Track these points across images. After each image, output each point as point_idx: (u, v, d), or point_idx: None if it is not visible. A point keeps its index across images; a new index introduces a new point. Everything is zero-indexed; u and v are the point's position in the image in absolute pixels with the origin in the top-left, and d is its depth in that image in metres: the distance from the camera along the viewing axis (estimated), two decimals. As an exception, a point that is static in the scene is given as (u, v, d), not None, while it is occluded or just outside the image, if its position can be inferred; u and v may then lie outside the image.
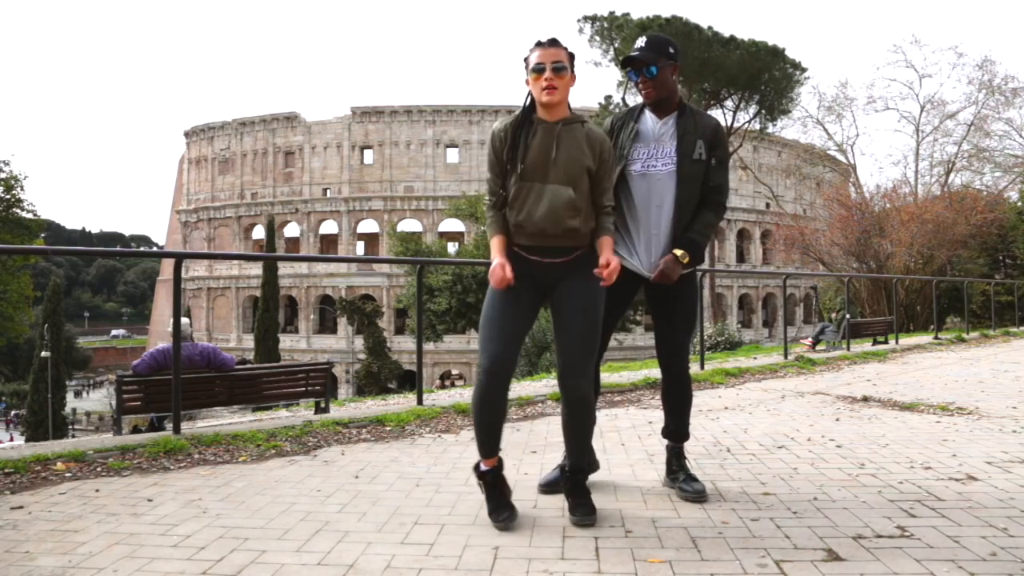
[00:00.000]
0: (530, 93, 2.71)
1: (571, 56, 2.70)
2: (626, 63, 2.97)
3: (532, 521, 2.74)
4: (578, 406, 2.75)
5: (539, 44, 2.68)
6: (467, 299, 26.89)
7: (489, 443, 2.75)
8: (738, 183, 49.40)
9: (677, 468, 3.12)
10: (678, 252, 2.92)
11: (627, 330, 30.52)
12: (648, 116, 3.04)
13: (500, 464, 2.80)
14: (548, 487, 3.09)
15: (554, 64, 2.63)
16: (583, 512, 2.69)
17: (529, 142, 2.66)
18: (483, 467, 2.78)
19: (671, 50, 2.99)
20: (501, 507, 2.71)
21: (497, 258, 2.68)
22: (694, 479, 3.07)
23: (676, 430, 3.18)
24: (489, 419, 2.72)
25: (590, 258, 2.73)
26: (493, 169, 2.73)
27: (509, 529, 2.63)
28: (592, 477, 3.18)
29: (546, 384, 7.14)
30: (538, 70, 2.64)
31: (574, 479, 2.81)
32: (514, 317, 2.72)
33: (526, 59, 2.70)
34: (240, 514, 2.87)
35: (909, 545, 2.42)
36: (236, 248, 48.16)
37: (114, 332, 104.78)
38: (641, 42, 3.00)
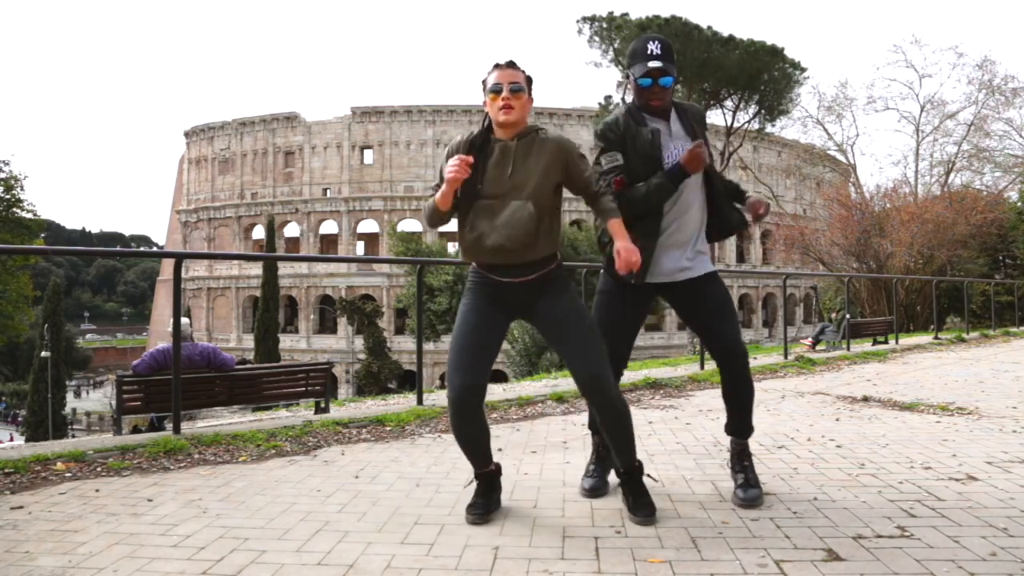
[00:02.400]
0: (487, 115, 2.73)
1: (529, 79, 2.71)
2: (650, 74, 2.85)
3: (532, 521, 2.74)
4: (609, 409, 2.71)
5: (497, 66, 2.70)
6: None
7: (478, 459, 2.81)
8: (738, 183, 49.37)
9: (741, 468, 3.03)
10: (749, 195, 3.07)
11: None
12: (648, 117, 2.96)
13: (497, 469, 2.86)
14: (594, 492, 3.06)
15: (511, 85, 2.64)
16: (645, 512, 2.71)
17: (486, 162, 2.65)
18: (477, 473, 2.85)
19: (675, 55, 2.96)
20: (480, 505, 2.76)
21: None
22: (752, 485, 2.97)
23: (743, 425, 3.07)
24: (470, 442, 2.77)
25: (560, 275, 2.76)
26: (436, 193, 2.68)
27: (480, 524, 2.69)
28: (592, 477, 3.19)
29: (546, 384, 7.14)
30: (495, 90, 2.64)
31: (632, 479, 2.81)
32: (484, 346, 2.70)
33: (484, 81, 2.70)
34: (240, 514, 2.87)
35: (909, 545, 2.42)
36: (236, 248, 48.15)
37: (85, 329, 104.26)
38: (657, 49, 2.87)
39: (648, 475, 2.94)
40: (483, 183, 2.63)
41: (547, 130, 2.76)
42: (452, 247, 43.09)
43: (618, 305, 3.01)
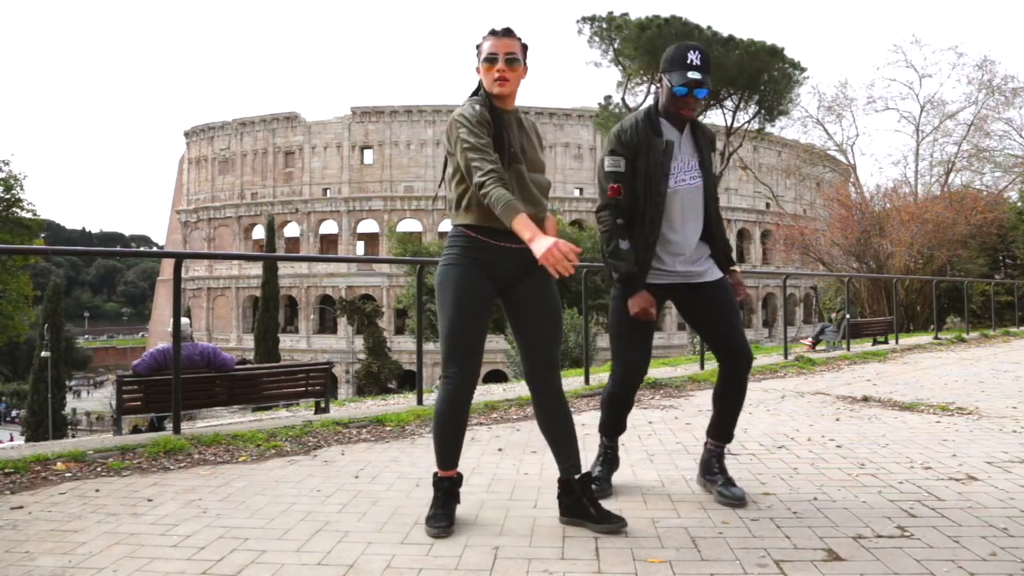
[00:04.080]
0: (480, 83, 2.62)
1: (524, 48, 2.62)
2: (688, 84, 2.82)
3: (532, 521, 2.74)
4: (560, 397, 2.67)
5: (493, 33, 2.59)
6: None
7: (450, 457, 2.69)
8: (738, 183, 49.43)
9: (718, 470, 3.06)
10: (735, 268, 3.08)
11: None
12: (665, 125, 2.95)
13: (459, 476, 2.73)
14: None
15: (507, 55, 2.55)
16: (616, 519, 2.57)
17: (508, 130, 2.58)
18: (440, 475, 2.70)
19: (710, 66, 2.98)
20: (443, 516, 2.61)
21: (552, 241, 2.25)
22: (733, 483, 3.01)
23: (726, 430, 3.10)
24: (452, 436, 2.66)
25: None
26: (484, 146, 2.46)
27: (442, 537, 2.53)
28: (592, 477, 3.19)
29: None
30: (491, 60, 2.55)
31: (584, 484, 2.66)
32: (480, 330, 2.62)
33: (478, 47, 2.60)
34: (240, 514, 2.87)
35: (909, 545, 2.42)
36: (236, 248, 48.17)
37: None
38: (697, 60, 2.82)
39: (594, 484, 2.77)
40: (514, 146, 2.55)
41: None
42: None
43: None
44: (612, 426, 3.22)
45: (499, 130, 2.54)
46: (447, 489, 2.68)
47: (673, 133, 2.95)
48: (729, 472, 3.09)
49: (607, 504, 2.92)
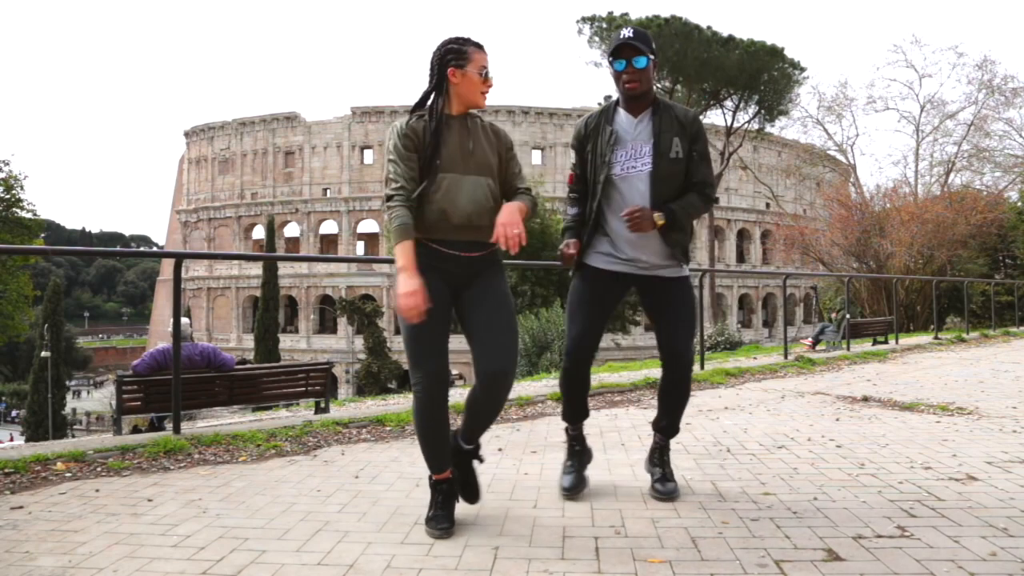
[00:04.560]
0: (444, 84, 2.64)
1: None
2: (618, 51, 2.88)
3: (532, 521, 2.74)
4: (502, 385, 2.64)
5: (478, 46, 2.67)
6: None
7: (440, 460, 2.68)
8: (738, 183, 49.40)
9: (659, 462, 3.12)
10: (655, 213, 2.86)
11: (626, 331, 30.51)
12: (623, 115, 2.96)
13: (455, 475, 2.74)
14: (573, 491, 3.06)
15: (488, 69, 2.68)
16: (472, 494, 2.78)
17: (445, 135, 2.62)
18: (436, 479, 2.70)
19: (652, 45, 2.96)
20: (444, 518, 2.63)
21: (413, 280, 2.44)
22: (669, 479, 3.07)
23: (670, 425, 3.15)
24: (436, 440, 2.65)
25: (500, 256, 2.75)
26: (405, 161, 2.58)
27: (445, 538, 2.56)
28: (592, 477, 3.19)
29: (546, 384, 7.13)
30: (484, 75, 2.66)
31: (472, 456, 2.79)
32: (444, 333, 2.63)
33: (462, 53, 2.63)
34: (240, 514, 2.87)
35: (909, 545, 2.42)
36: (236, 248, 48.15)
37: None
38: (629, 33, 2.90)
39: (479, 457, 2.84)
40: (442, 158, 2.59)
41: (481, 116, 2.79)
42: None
43: (592, 283, 3.04)
44: (570, 407, 3.15)
45: (437, 140, 2.59)
46: (445, 491, 2.69)
47: (629, 122, 2.95)
48: (671, 467, 3.15)
49: (607, 502, 2.92)
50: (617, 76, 2.91)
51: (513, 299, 2.77)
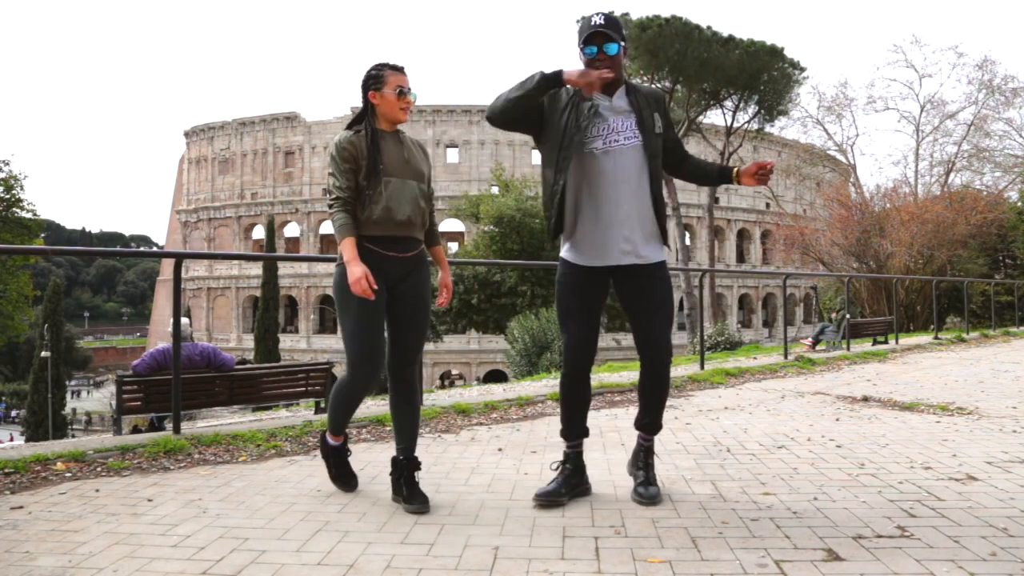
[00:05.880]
0: (370, 105, 2.95)
1: None
2: (590, 38, 2.84)
3: (532, 521, 2.74)
4: (411, 388, 3.05)
5: (396, 68, 2.97)
6: (468, 299, 26.94)
7: (343, 423, 3.12)
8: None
9: (643, 465, 3.05)
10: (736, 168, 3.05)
11: (626, 330, 30.50)
12: (598, 95, 2.89)
13: (346, 439, 3.19)
14: (544, 498, 2.91)
15: (409, 89, 2.98)
16: (421, 501, 2.89)
17: (382, 145, 2.91)
18: (331, 441, 3.15)
19: (623, 31, 2.93)
20: (347, 475, 3.18)
21: (359, 267, 2.80)
22: (651, 483, 2.99)
23: (653, 423, 3.07)
24: (346, 412, 3.08)
25: (426, 257, 3.12)
26: (345, 174, 2.87)
27: (352, 490, 3.14)
28: (592, 477, 3.19)
29: (546, 384, 7.14)
30: (403, 94, 2.95)
31: (411, 467, 2.97)
32: (383, 328, 2.97)
33: (379, 77, 2.93)
34: (240, 514, 2.87)
35: (909, 545, 2.42)
36: (236, 248, 48.14)
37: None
38: (600, 19, 2.85)
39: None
40: (384, 164, 2.88)
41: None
42: (452, 247, 43.10)
43: (574, 287, 2.96)
44: (569, 421, 3.03)
45: (375, 152, 2.88)
46: (340, 452, 3.17)
47: (603, 99, 2.89)
48: (654, 470, 3.08)
49: (607, 502, 2.92)
50: (589, 63, 2.85)
51: (431, 299, 3.13)
